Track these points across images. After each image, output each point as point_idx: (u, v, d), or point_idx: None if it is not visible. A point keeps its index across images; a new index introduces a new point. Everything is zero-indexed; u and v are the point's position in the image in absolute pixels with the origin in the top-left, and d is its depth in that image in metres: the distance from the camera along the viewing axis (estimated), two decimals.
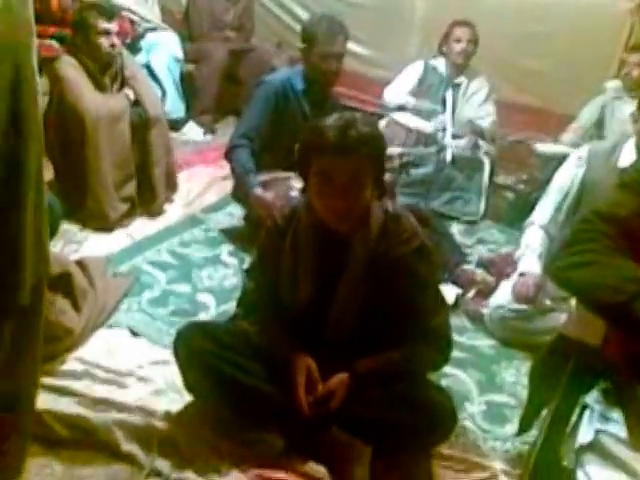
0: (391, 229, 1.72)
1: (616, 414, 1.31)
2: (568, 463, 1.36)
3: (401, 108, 3.70)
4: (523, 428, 1.58)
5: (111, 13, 2.86)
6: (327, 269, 1.73)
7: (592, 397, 1.38)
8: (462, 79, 3.70)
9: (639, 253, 1.34)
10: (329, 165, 1.59)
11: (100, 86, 2.90)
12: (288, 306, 1.79)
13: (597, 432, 1.31)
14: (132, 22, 3.87)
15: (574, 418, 1.42)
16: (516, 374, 2.31)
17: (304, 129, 1.70)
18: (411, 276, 1.71)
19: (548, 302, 2.44)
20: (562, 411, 1.31)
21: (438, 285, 1.87)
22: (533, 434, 1.72)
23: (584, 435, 1.33)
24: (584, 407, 1.41)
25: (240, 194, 2.86)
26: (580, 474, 1.27)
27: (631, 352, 1.27)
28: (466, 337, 2.51)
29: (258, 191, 2.66)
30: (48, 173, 2.41)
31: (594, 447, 1.29)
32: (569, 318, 1.48)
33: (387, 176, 2.89)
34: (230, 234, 3.04)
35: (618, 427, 1.28)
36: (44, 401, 1.78)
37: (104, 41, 2.82)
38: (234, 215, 3.20)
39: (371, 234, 1.70)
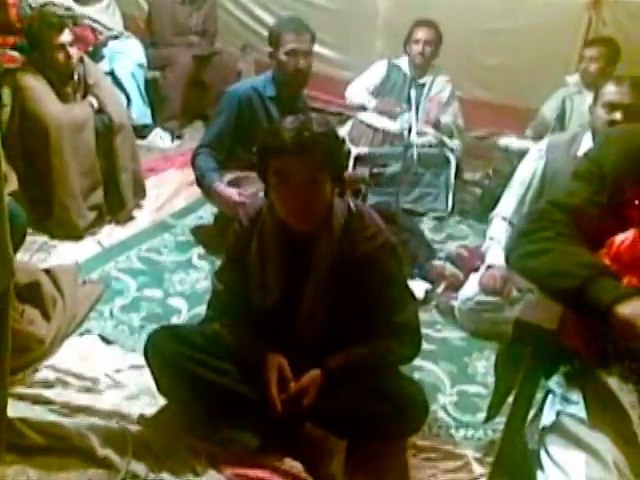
0: (355, 226, 1.75)
1: (576, 396, 1.34)
2: (533, 446, 1.39)
3: (362, 108, 3.73)
4: (490, 415, 1.61)
5: (60, 24, 2.84)
6: (293, 269, 1.76)
7: (554, 381, 1.42)
8: (426, 79, 3.75)
9: (593, 240, 1.38)
10: (285, 165, 1.62)
11: (62, 96, 2.90)
12: (257, 306, 1.81)
13: (558, 414, 1.34)
14: (94, 30, 3.85)
15: (538, 402, 1.46)
16: (487, 364, 2.34)
17: (261, 131, 1.74)
18: (377, 272, 1.75)
19: (515, 292, 2.48)
20: (523, 395, 1.34)
21: (405, 280, 1.91)
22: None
23: (546, 417, 1.37)
24: (547, 391, 1.46)
25: (205, 194, 2.91)
26: (543, 455, 1.31)
27: (587, 335, 1.31)
28: (437, 330, 2.56)
29: (217, 185, 2.73)
30: (13, 183, 2.40)
31: (556, 428, 1.33)
32: (526, 303, 1.52)
33: (359, 186, 2.98)
34: (201, 236, 3.05)
35: (578, 408, 1.31)
36: (18, 410, 1.79)
37: (60, 55, 2.82)
38: (204, 219, 3.21)
39: (334, 232, 1.73)
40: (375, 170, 3.05)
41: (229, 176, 2.83)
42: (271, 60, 2.83)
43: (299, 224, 1.70)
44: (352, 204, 1.79)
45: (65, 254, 2.77)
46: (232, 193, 2.70)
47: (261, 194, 1.84)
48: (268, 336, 1.81)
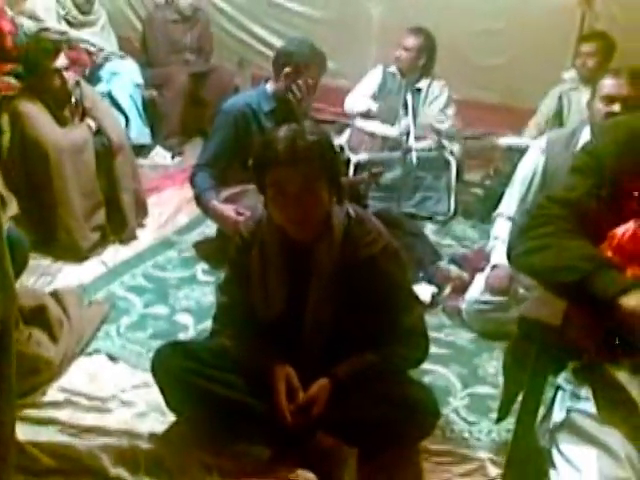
0: (355, 232, 1.75)
1: (585, 391, 1.33)
2: (544, 444, 1.38)
3: (364, 115, 3.74)
4: (501, 415, 1.59)
5: (55, 49, 2.86)
6: (296, 277, 1.76)
7: (563, 377, 1.41)
8: (422, 84, 3.75)
9: (594, 234, 1.38)
10: (280, 176, 1.63)
11: (60, 120, 2.92)
12: (262, 317, 1.81)
13: (568, 410, 1.33)
14: (89, 53, 3.88)
15: (548, 400, 1.45)
16: (497, 365, 2.31)
17: (255, 144, 1.74)
18: (380, 276, 1.74)
19: (522, 291, 2.47)
20: (532, 393, 1.33)
21: (409, 283, 1.90)
22: None
23: (557, 414, 1.36)
24: (557, 388, 1.44)
25: (204, 213, 2.94)
26: (554, 452, 1.29)
27: (594, 330, 1.30)
28: (445, 333, 2.54)
29: (214, 203, 2.76)
30: (13, 208, 2.41)
31: (566, 425, 1.32)
32: (529, 300, 1.51)
33: (358, 188, 2.98)
34: (204, 251, 3.06)
35: (588, 404, 1.30)
36: (27, 433, 1.79)
37: (56, 80, 2.84)
38: (207, 235, 3.21)
39: (334, 239, 1.73)
40: (374, 170, 3.04)
41: (226, 193, 2.84)
42: (280, 76, 2.82)
43: (298, 233, 1.70)
44: (351, 210, 1.78)
45: (70, 276, 2.78)
46: (230, 212, 2.72)
47: (259, 206, 1.84)
48: (274, 347, 1.80)
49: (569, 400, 1.36)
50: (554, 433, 1.33)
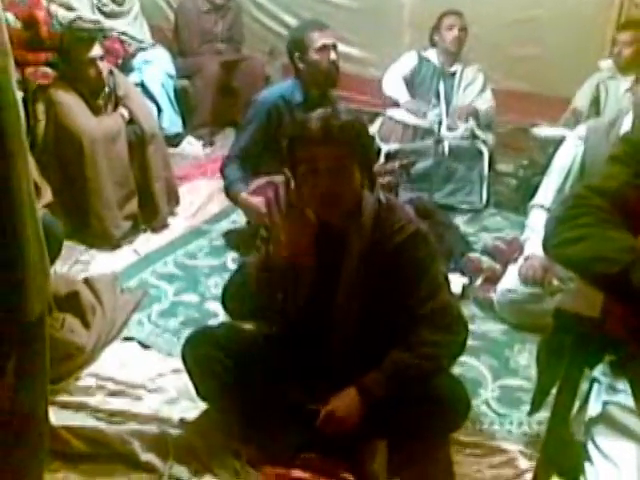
0: (385, 219, 1.73)
1: (623, 384, 1.30)
2: (579, 437, 1.35)
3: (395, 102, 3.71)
4: (534, 408, 1.57)
5: (90, 39, 2.90)
6: (326, 263, 1.74)
7: (599, 370, 1.38)
8: (457, 67, 3.72)
9: (633, 224, 1.34)
10: (314, 154, 1.63)
11: (94, 109, 2.96)
12: (292, 306, 1.80)
13: (605, 403, 1.31)
14: (122, 42, 3.91)
15: (584, 393, 1.42)
16: (529, 357, 2.30)
17: (290, 125, 1.75)
18: (410, 262, 1.71)
19: (556, 282, 2.43)
20: (567, 386, 1.31)
21: (438, 268, 1.84)
22: None
23: (593, 408, 1.33)
24: (593, 381, 1.41)
25: (233, 203, 2.95)
26: (590, 447, 1.27)
27: (633, 322, 1.27)
28: (476, 324, 2.51)
29: (244, 195, 2.76)
30: (47, 196, 2.45)
31: (603, 418, 1.29)
32: (566, 292, 1.48)
33: (389, 178, 2.95)
34: (234, 240, 3.07)
35: (626, 396, 1.28)
36: (60, 417, 1.82)
37: (90, 69, 2.87)
38: (237, 224, 3.23)
39: (365, 225, 1.71)
40: (405, 160, 3.01)
41: (255, 183, 2.84)
42: (298, 65, 2.82)
43: (328, 214, 1.68)
44: (382, 197, 1.77)
45: (103, 263, 2.82)
46: (258, 203, 2.70)
47: None
48: (305, 338, 1.79)
49: (605, 393, 1.33)
50: (590, 426, 1.31)
